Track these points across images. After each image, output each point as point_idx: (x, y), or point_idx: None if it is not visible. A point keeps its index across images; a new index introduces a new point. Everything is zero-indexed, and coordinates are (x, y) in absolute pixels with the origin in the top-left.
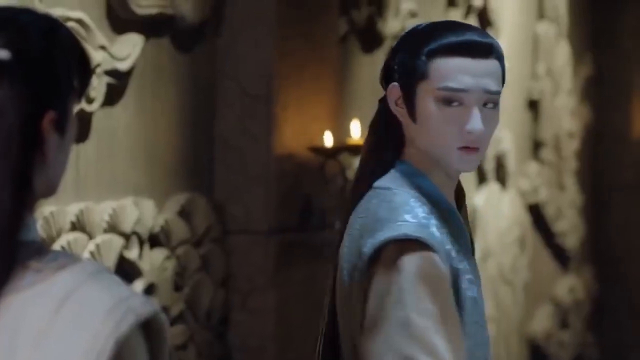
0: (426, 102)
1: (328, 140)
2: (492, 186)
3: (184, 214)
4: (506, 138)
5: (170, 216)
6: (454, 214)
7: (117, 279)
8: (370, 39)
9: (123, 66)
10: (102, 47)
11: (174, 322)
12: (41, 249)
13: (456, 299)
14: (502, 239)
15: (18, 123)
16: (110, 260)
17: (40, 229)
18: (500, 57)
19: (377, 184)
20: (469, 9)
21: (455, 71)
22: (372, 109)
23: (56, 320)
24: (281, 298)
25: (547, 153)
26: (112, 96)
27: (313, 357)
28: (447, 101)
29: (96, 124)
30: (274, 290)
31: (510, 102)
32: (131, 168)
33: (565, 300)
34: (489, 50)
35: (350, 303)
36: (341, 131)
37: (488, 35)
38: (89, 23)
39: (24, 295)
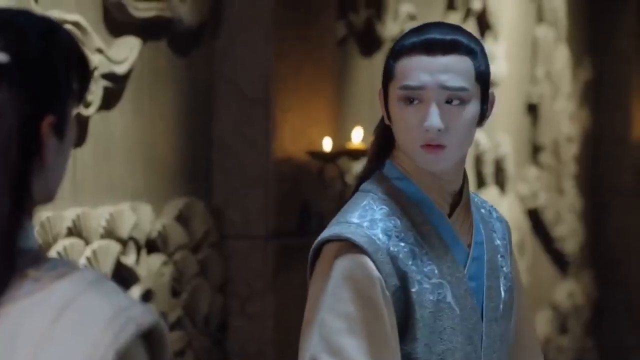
0: (394, 103)
1: (327, 144)
2: (491, 190)
3: (182, 218)
4: (505, 142)
5: (168, 221)
6: (437, 216)
7: (116, 288)
8: (369, 42)
9: (120, 69)
10: (99, 50)
11: (171, 328)
12: (39, 257)
13: (405, 302)
14: None
15: (16, 127)
16: (107, 266)
17: (36, 234)
18: (471, 53)
19: (361, 186)
20: (468, 12)
21: (413, 69)
22: (370, 112)
23: (55, 330)
24: (280, 303)
25: (546, 157)
26: (109, 100)
27: None
28: (408, 100)
29: (93, 128)
30: (273, 295)
31: (509, 106)
32: (128, 172)
33: (564, 305)
34: (450, 47)
35: None
36: (340, 135)
37: (457, 33)
38: (85, 26)
39: (22, 305)
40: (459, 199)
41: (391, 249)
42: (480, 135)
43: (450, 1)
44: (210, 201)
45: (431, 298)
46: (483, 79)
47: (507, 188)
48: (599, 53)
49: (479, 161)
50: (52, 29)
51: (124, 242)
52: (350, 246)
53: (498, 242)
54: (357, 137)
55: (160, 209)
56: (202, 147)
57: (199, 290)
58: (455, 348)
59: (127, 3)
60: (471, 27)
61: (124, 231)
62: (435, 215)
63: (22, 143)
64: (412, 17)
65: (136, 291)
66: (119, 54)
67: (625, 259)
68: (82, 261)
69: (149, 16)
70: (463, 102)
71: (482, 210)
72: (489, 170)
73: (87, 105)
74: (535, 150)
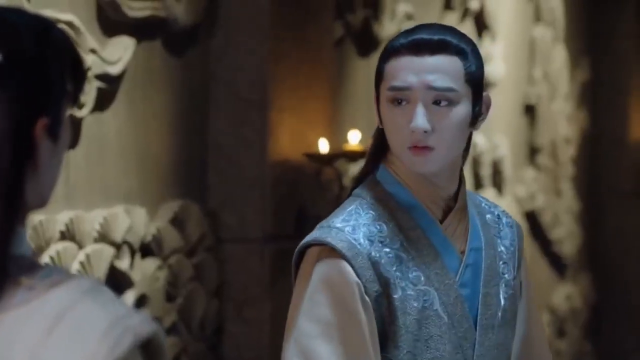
0: (384, 105)
1: (324, 146)
2: (489, 192)
3: (177, 222)
4: (502, 144)
5: (163, 224)
6: (428, 222)
7: (113, 296)
8: (366, 42)
9: (114, 70)
10: (93, 51)
11: (166, 333)
12: (33, 264)
13: (387, 308)
14: None
15: (9, 128)
16: (101, 271)
17: (28, 239)
18: (461, 53)
19: (354, 191)
20: (465, 12)
21: (400, 70)
22: (368, 113)
23: (50, 341)
24: (277, 307)
25: (543, 159)
26: (103, 101)
27: None
28: (396, 101)
29: (86, 129)
30: (270, 300)
31: (507, 107)
32: (122, 175)
33: (562, 308)
34: (437, 47)
35: None
36: (337, 136)
37: (447, 33)
38: (79, 25)
39: (16, 314)
40: (455, 203)
41: (373, 254)
42: (478, 137)
43: (448, 1)
44: (206, 204)
45: (415, 305)
46: (474, 80)
47: (504, 190)
48: (597, 53)
49: (476, 163)
50: (46, 27)
51: (117, 246)
52: (329, 251)
53: (502, 248)
54: (354, 138)
55: (154, 212)
56: (197, 149)
57: (194, 295)
58: (443, 356)
59: (121, 2)
60: (468, 27)
61: (118, 235)
62: (426, 220)
63: (15, 146)
64: (409, 17)
65: (130, 296)
66: (113, 55)
67: (624, 261)
68: (76, 265)
69: (143, 16)
70: (451, 103)
71: (488, 216)
72: (486, 172)
73: (80, 106)
74: (533, 151)
